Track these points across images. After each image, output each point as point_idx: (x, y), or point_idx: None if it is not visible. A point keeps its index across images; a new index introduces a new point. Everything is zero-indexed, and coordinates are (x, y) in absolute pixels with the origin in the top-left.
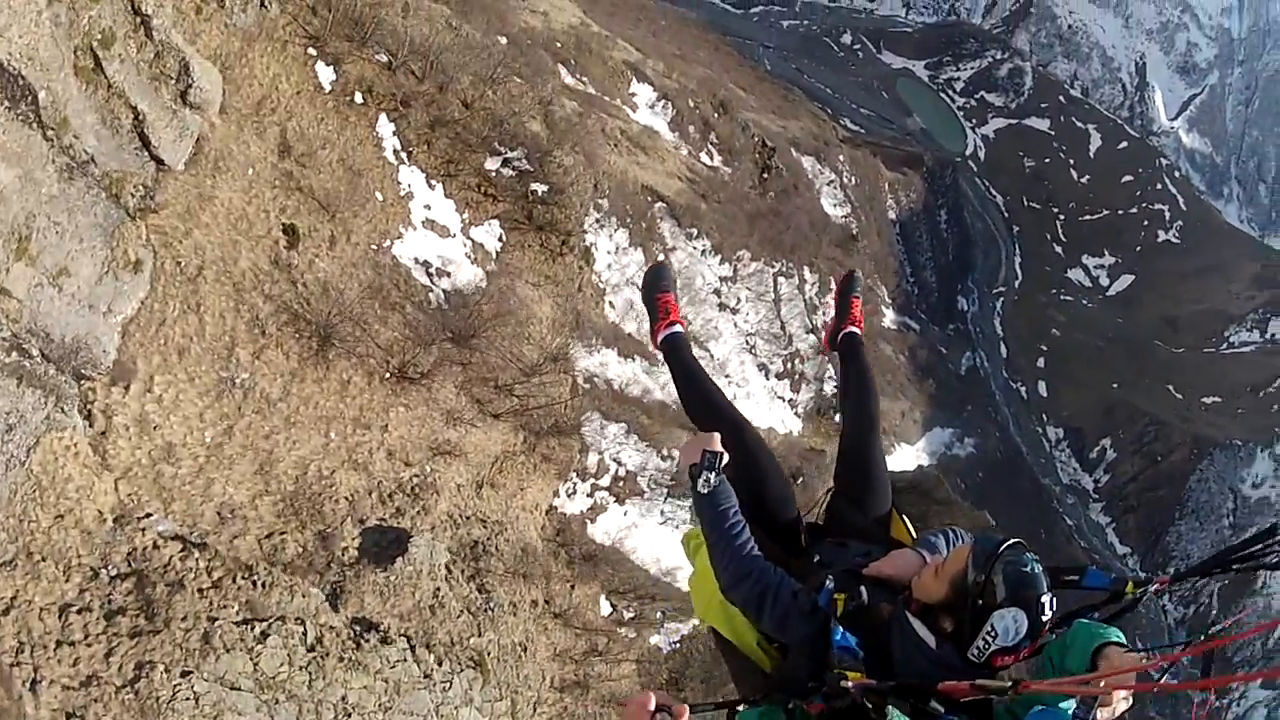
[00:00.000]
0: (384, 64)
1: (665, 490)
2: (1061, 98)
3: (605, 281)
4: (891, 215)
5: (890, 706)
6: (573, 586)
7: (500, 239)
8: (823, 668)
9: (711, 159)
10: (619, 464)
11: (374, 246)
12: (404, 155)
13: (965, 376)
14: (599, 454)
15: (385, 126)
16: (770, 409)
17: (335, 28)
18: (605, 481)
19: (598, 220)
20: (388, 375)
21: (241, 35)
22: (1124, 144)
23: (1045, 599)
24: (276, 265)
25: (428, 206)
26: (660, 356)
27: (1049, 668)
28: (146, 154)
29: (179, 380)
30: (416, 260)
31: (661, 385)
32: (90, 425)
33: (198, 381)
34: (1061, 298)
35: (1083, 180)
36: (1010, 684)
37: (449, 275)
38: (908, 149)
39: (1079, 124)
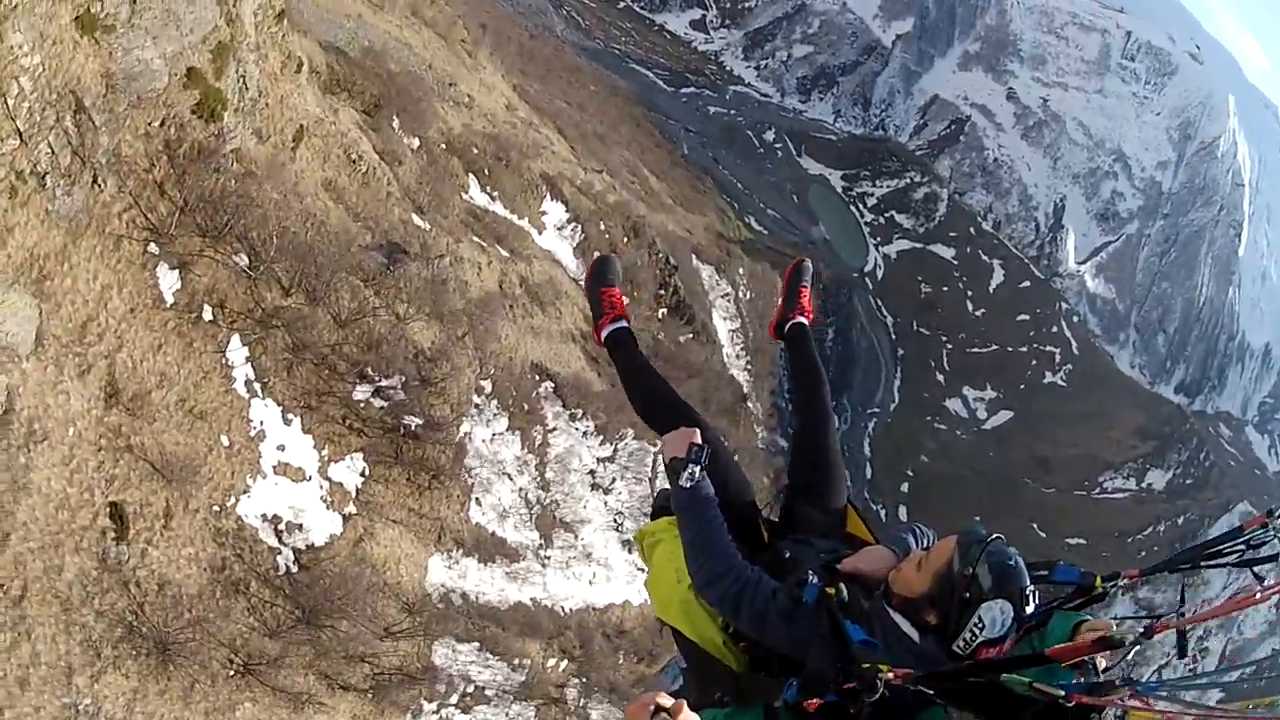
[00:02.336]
0: (243, 269)
1: (511, 696)
2: (972, 229)
3: (474, 476)
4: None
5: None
6: None
7: (363, 473)
8: (848, 663)
9: None
10: (468, 680)
11: (216, 508)
12: (258, 387)
13: None
14: (449, 676)
15: (237, 351)
16: (630, 583)
17: (187, 214)
18: (454, 699)
19: (477, 405)
20: (232, 673)
21: (66, 227)
22: (1026, 283)
23: (1028, 591)
24: (105, 566)
25: (281, 447)
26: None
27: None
28: None
29: (25, 714)
30: (264, 517)
31: (519, 586)
32: None
33: (44, 712)
34: (935, 425)
35: (978, 313)
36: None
37: (300, 529)
38: None
39: (984, 257)
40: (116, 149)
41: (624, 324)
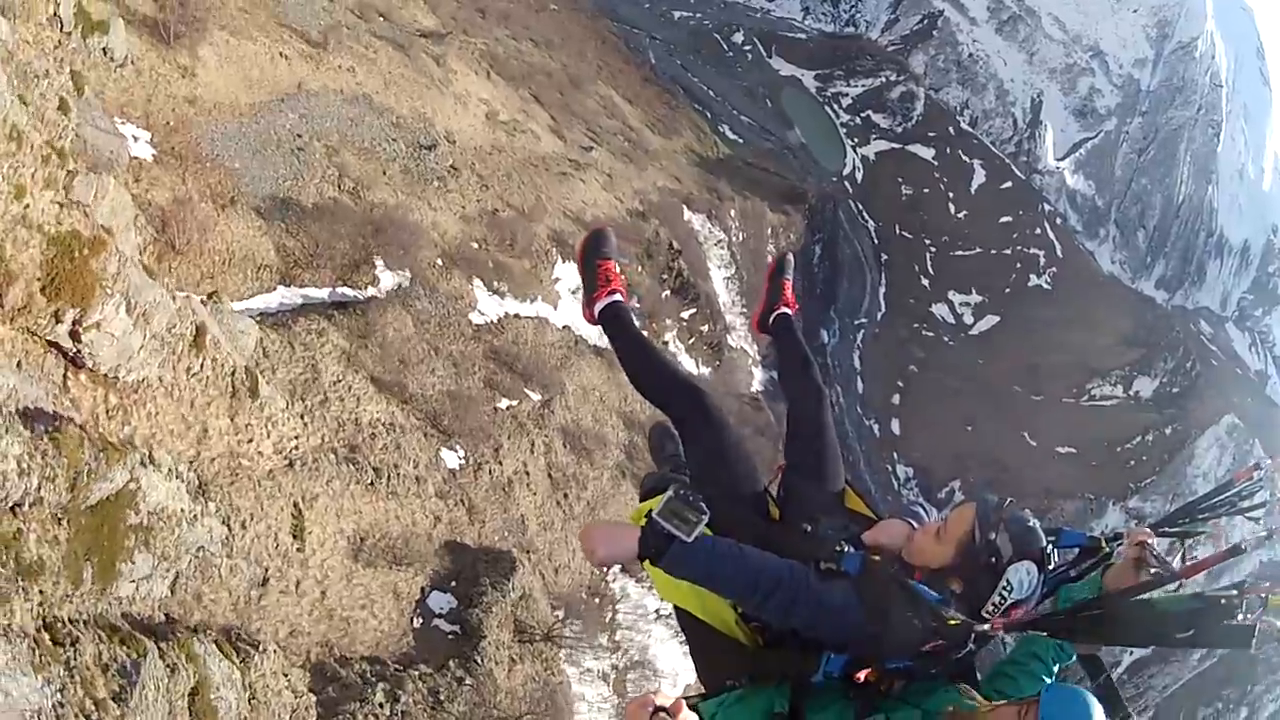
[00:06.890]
0: None
1: None
2: (950, 128)
3: None
4: (769, 260)
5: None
6: None
7: None
8: (931, 624)
9: None
10: None
11: None
12: None
13: None
14: None
15: None
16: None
17: None
18: None
19: None
20: None
21: None
22: (1008, 184)
23: (1048, 550)
24: None
25: None
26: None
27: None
28: None
29: None
30: None
31: None
32: None
33: None
34: (923, 333)
35: (960, 215)
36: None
37: None
38: (789, 179)
39: (964, 157)
40: None
41: (619, 298)
